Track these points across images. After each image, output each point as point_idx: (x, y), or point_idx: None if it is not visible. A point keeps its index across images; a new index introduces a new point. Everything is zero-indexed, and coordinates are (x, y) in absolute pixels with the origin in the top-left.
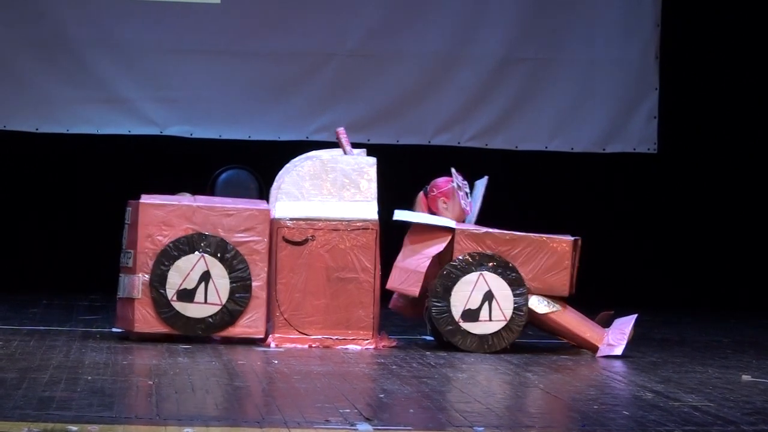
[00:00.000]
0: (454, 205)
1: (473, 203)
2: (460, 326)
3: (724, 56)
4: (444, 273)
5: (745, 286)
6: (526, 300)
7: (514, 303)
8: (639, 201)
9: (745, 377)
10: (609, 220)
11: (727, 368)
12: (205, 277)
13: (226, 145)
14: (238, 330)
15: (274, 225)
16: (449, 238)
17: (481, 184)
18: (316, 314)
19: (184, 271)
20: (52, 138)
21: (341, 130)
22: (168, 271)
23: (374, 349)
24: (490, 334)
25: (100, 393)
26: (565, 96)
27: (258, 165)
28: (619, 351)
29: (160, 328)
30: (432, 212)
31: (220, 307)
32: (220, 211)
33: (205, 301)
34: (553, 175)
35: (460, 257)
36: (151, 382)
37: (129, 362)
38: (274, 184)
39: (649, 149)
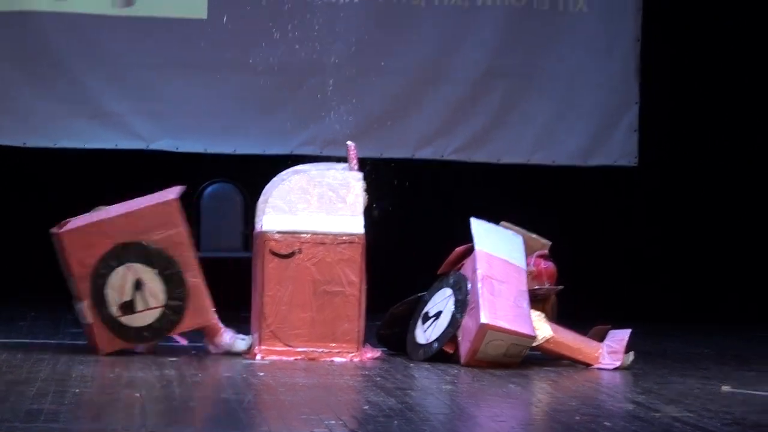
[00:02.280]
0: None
1: None
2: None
3: (703, 70)
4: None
5: (728, 298)
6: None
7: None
8: (620, 214)
9: (725, 388)
10: (590, 232)
11: (708, 379)
12: (138, 285)
13: (211, 159)
14: (188, 323)
15: (261, 238)
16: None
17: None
18: (302, 327)
19: (118, 285)
20: (39, 152)
21: (352, 145)
22: (104, 290)
23: (359, 361)
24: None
25: (88, 405)
26: (547, 110)
27: (243, 178)
28: (612, 363)
29: (122, 345)
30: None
31: (162, 309)
32: (129, 216)
33: (147, 307)
34: (535, 188)
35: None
36: (138, 395)
37: (116, 375)
38: (261, 197)
39: (629, 162)
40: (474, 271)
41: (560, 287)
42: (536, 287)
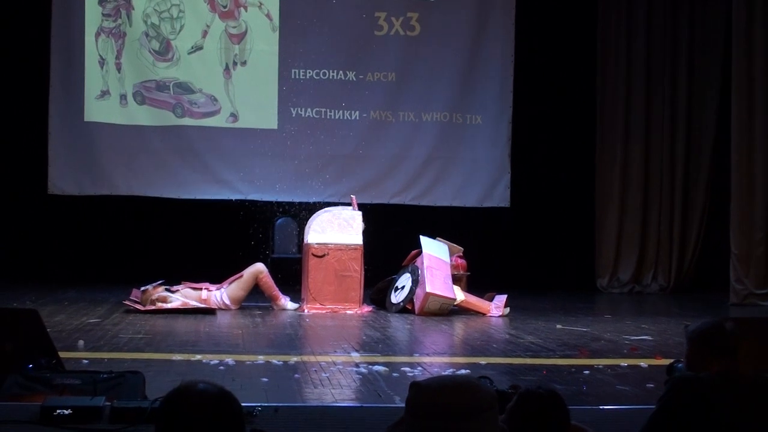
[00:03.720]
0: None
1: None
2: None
3: (540, 161)
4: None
5: (565, 278)
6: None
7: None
8: (497, 230)
9: (559, 326)
10: (485, 240)
11: (549, 321)
12: None
13: (281, 204)
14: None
15: (307, 246)
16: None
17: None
18: (329, 294)
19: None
20: (181, 201)
21: (354, 197)
22: None
23: (360, 313)
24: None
25: (213, 337)
26: (462, 176)
27: (297, 214)
28: (497, 313)
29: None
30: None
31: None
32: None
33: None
34: (456, 219)
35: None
36: (240, 331)
37: (227, 321)
38: (308, 224)
39: (505, 204)
40: (422, 263)
41: (468, 273)
42: (455, 273)
